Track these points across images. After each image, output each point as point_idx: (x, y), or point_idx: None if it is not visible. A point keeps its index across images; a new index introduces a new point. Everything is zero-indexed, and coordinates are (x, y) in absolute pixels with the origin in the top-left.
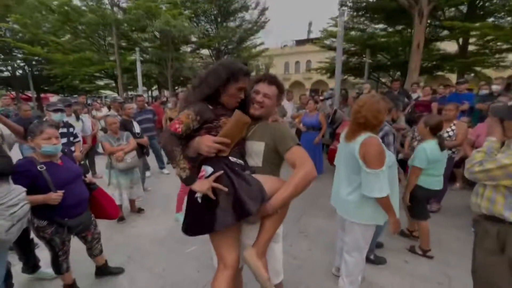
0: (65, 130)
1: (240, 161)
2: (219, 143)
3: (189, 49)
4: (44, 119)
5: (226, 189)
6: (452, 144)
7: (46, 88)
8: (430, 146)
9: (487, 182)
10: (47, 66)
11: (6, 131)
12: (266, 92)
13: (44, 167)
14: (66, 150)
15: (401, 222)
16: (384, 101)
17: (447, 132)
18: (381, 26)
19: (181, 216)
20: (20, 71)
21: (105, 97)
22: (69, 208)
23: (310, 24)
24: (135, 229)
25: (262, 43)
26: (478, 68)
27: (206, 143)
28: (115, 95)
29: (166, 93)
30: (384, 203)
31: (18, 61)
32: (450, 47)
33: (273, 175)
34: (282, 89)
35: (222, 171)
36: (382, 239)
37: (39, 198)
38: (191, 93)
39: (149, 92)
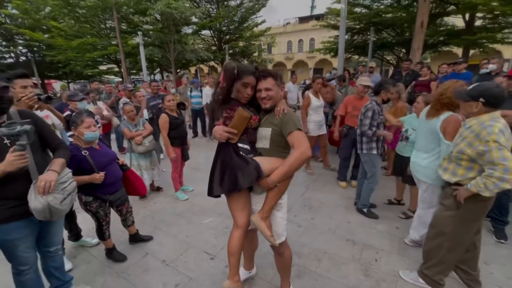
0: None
1: (246, 146)
2: (228, 132)
3: (190, 31)
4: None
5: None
6: None
7: (50, 74)
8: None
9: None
10: (49, 52)
11: (56, 120)
12: (266, 87)
13: (88, 152)
14: (101, 137)
15: (389, 193)
16: (464, 86)
17: None
18: (386, 1)
19: (179, 194)
20: (23, 58)
21: (108, 81)
22: (109, 186)
23: None
24: (157, 204)
25: (263, 21)
26: (485, 43)
27: (218, 131)
28: (118, 79)
29: (170, 76)
30: None
31: (20, 48)
32: (457, 21)
33: (281, 156)
34: (276, 75)
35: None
36: (378, 209)
37: (85, 178)
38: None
39: (152, 76)
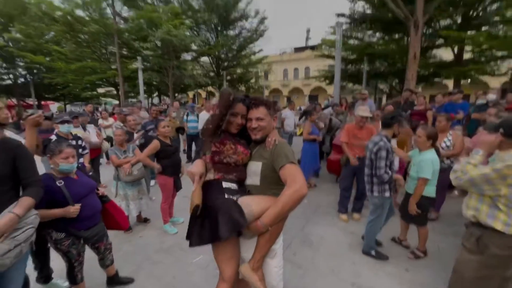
0: (74, 142)
1: (233, 185)
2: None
3: (189, 57)
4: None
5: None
6: (450, 154)
7: (47, 95)
8: (433, 156)
9: (472, 190)
10: (48, 74)
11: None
12: (257, 116)
13: (63, 182)
14: (79, 165)
15: (394, 230)
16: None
17: (444, 142)
18: (378, 35)
19: (168, 227)
20: (22, 79)
21: (105, 103)
22: (85, 220)
23: (308, 31)
24: (142, 238)
25: (260, 50)
26: (474, 75)
27: (190, 170)
28: (116, 102)
29: (167, 100)
30: None
31: (20, 70)
32: (446, 54)
33: (273, 193)
34: (269, 104)
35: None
36: (385, 248)
37: (58, 212)
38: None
39: (149, 99)
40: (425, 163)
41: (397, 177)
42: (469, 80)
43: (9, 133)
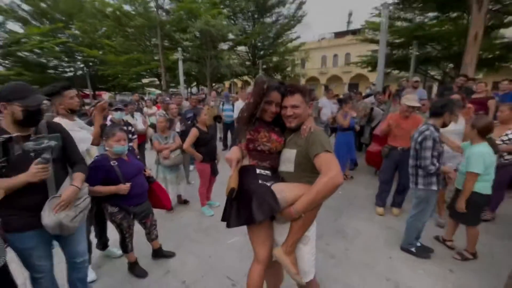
0: (125, 128)
1: (267, 172)
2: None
3: (226, 47)
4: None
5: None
6: None
7: (100, 86)
8: (485, 149)
9: None
10: (101, 67)
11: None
12: (292, 103)
13: (116, 163)
14: (130, 148)
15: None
16: None
17: (507, 135)
18: (431, 14)
19: (205, 209)
20: (80, 72)
21: (149, 93)
22: (134, 197)
23: (350, 14)
24: (183, 219)
25: (298, 37)
26: None
27: (228, 156)
28: (158, 91)
29: (205, 89)
30: None
31: (79, 63)
32: None
33: (307, 181)
34: (305, 91)
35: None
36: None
37: (112, 188)
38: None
39: (188, 89)
40: (475, 156)
41: (445, 170)
42: None
43: (78, 121)
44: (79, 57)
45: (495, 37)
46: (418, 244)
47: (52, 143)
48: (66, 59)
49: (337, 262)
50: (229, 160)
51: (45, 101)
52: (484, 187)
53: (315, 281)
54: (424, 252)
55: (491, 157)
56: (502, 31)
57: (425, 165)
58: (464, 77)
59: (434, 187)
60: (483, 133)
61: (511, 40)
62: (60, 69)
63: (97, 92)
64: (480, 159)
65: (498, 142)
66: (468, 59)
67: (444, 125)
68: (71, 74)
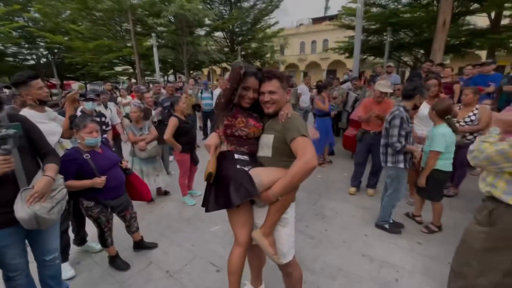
0: (97, 119)
1: (245, 157)
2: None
3: (203, 33)
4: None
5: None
6: (475, 129)
7: (68, 75)
8: (445, 130)
9: (490, 168)
10: (68, 54)
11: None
12: (270, 89)
13: (89, 156)
14: (103, 140)
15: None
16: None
17: (469, 116)
18: (404, 0)
19: (187, 199)
20: (44, 59)
21: (123, 82)
22: (110, 190)
23: None
24: (164, 209)
25: (276, 23)
26: None
27: (207, 142)
28: (133, 80)
29: (183, 77)
30: None
31: (41, 50)
32: (481, 21)
33: (285, 165)
34: (282, 76)
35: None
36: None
37: (86, 182)
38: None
39: (165, 77)
40: (437, 136)
41: (412, 149)
42: (505, 51)
43: (50, 111)
44: (42, 43)
45: (461, 24)
46: (391, 221)
47: (11, 131)
48: (26, 45)
49: (317, 242)
50: (208, 146)
51: (5, 90)
52: (445, 164)
53: (295, 261)
54: (396, 228)
55: (452, 137)
56: (468, 18)
57: (392, 142)
58: (430, 62)
59: (401, 165)
60: (442, 114)
61: (476, 27)
62: (20, 57)
63: (65, 82)
64: (442, 139)
65: (461, 123)
66: (437, 46)
67: (416, 106)
68: (33, 62)
